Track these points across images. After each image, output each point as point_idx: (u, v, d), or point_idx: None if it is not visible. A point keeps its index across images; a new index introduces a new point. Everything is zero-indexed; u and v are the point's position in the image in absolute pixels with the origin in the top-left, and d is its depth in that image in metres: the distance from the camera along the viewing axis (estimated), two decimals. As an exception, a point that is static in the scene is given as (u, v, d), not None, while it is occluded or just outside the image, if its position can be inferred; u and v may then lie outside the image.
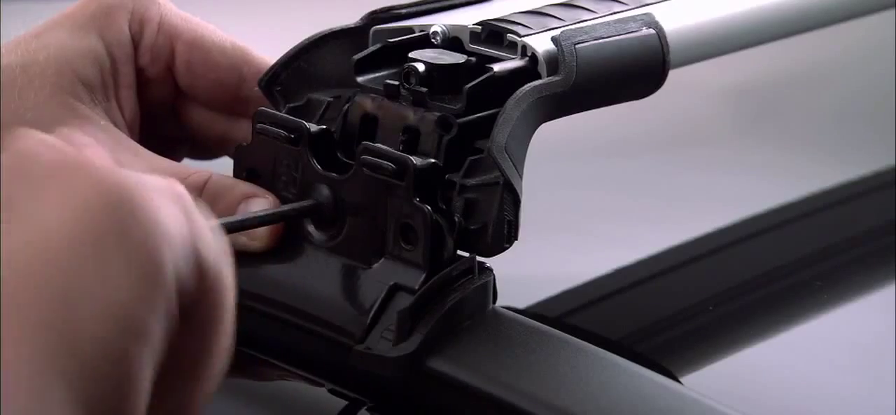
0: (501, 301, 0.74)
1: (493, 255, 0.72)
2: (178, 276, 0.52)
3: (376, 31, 0.80)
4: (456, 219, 0.71)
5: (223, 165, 0.80)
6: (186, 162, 0.85)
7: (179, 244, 0.52)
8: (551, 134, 0.76)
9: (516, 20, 0.77)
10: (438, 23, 0.78)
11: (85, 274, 0.50)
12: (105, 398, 0.50)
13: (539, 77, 0.75)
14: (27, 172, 0.52)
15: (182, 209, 0.54)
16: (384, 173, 0.71)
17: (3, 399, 0.48)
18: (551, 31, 0.76)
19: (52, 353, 0.50)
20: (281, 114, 0.76)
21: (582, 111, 0.77)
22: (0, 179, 0.52)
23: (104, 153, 0.54)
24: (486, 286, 0.73)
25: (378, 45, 0.78)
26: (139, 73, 0.80)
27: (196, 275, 0.54)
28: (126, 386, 0.51)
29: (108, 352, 0.50)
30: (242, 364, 0.76)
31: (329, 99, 0.78)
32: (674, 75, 0.80)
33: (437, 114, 0.73)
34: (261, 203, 0.74)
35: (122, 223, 0.51)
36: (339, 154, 0.75)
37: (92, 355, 0.50)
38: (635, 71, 0.78)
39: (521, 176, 0.71)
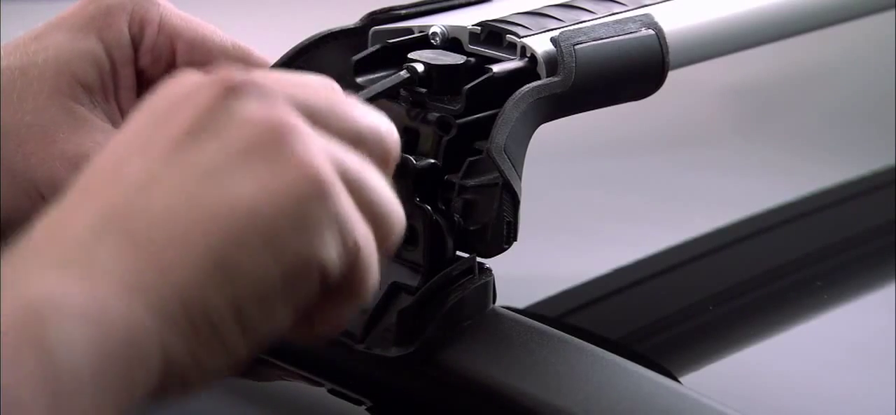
0: (501, 301, 0.74)
1: (493, 255, 0.72)
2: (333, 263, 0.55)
3: (376, 32, 0.80)
4: (455, 219, 0.71)
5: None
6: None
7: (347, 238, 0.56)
8: (551, 134, 0.76)
9: (515, 21, 0.77)
10: (438, 23, 0.79)
11: (245, 258, 0.53)
12: (192, 356, 0.53)
13: (538, 78, 0.75)
14: (229, 107, 0.55)
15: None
16: (384, 173, 0.71)
17: None
18: (550, 32, 0.76)
19: (169, 311, 0.52)
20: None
21: (581, 112, 0.77)
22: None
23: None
24: (486, 286, 0.73)
25: (377, 46, 0.78)
26: (140, 74, 0.80)
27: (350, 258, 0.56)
28: (215, 355, 0.54)
29: (217, 331, 0.53)
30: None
31: (329, 99, 0.78)
32: (673, 75, 0.80)
33: (437, 114, 0.73)
34: None
35: (304, 221, 0.54)
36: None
37: (204, 329, 0.53)
38: (634, 72, 0.78)
39: (520, 177, 0.71)
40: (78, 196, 0.54)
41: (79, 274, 0.51)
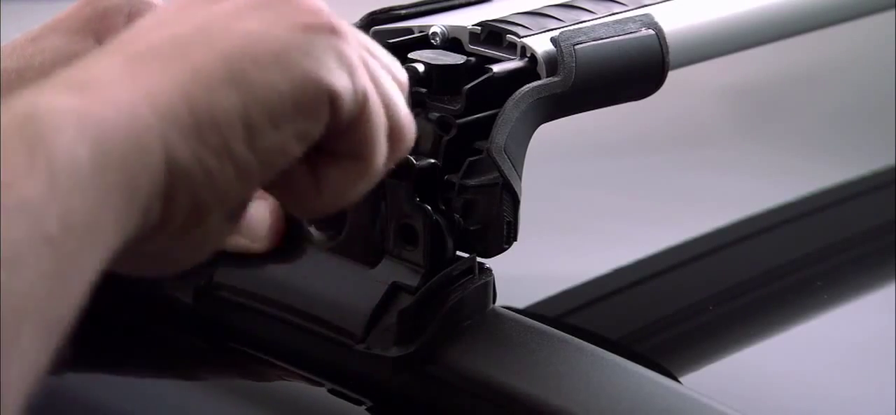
0: (501, 301, 0.74)
1: (493, 255, 0.72)
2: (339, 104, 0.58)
3: (376, 32, 0.80)
4: (455, 219, 0.71)
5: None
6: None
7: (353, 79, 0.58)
8: (551, 134, 0.76)
9: (516, 21, 0.77)
10: (438, 23, 0.79)
11: (254, 68, 0.56)
12: (199, 163, 0.55)
13: (538, 78, 0.75)
14: None
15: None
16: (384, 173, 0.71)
17: None
18: (550, 32, 0.76)
19: (175, 114, 0.54)
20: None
21: (581, 112, 0.77)
22: None
23: None
24: (486, 286, 0.73)
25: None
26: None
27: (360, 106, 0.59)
28: (222, 166, 0.55)
29: (224, 140, 0.55)
30: (242, 364, 0.76)
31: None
32: (673, 75, 0.80)
33: (437, 114, 0.73)
34: (261, 206, 0.75)
35: (314, 49, 0.57)
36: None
37: (210, 134, 0.55)
38: (634, 72, 0.78)
39: (520, 177, 0.71)
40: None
41: (79, 86, 0.52)
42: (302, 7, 0.58)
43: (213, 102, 0.54)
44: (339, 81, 0.57)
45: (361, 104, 0.59)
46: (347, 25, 0.60)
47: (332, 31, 0.58)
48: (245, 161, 0.55)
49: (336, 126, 0.58)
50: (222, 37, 0.56)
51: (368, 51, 0.61)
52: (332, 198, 0.60)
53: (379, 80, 0.60)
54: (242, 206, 0.58)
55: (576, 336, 0.73)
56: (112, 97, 0.52)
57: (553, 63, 0.75)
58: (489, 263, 0.74)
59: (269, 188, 0.59)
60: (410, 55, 0.75)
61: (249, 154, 0.55)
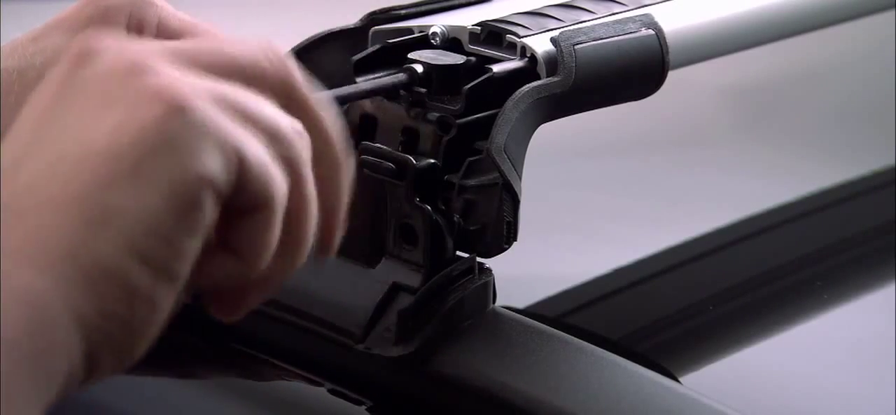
0: (501, 301, 0.74)
1: (492, 255, 0.72)
2: (220, 192, 0.53)
3: (376, 32, 0.80)
4: (455, 220, 0.71)
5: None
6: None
7: (228, 161, 0.53)
8: (551, 134, 0.76)
9: (515, 21, 0.77)
10: (438, 23, 0.79)
11: (116, 196, 0.51)
12: (107, 316, 0.51)
13: (538, 78, 0.75)
14: (85, 69, 0.54)
15: (242, 115, 0.54)
16: (384, 173, 0.71)
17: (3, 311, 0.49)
18: (550, 32, 0.76)
19: (63, 272, 0.51)
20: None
21: (581, 112, 0.77)
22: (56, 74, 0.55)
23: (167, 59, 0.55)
24: (486, 286, 0.73)
25: (377, 46, 0.78)
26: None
27: (251, 184, 0.54)
28: (133, 307, 0.52)
29: (122, 280, 0.51)
30: (242, 364, 0.76)
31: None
32: (673, 75, 0.80)
33: (436, 114, 0.73)
34: None
35: (168, 142, 0.52)
36: (338, 155, 0.75)
37: (104, 282, 0.51)
38: (634, 72, 0.78)
39: (520, 177, 0.71)
40: None
41: None
42: (146, 92, 0.52)
43: (95, 250, 0.51)
44: (209, 165, 0.52)
45: (241, 164, 0.53)
46: (204, 87, 0.54)
47: (180, 107, 0.52)
48: (151, 291, 0.52)
49: (231, 203, 0.54)
50: (75, 169, 0.52)
51: (239, 74, 0.56)
52: (253, 260, 0.55)
53: (252, 114, 0.55)
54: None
55: (576, 336, 0.73)
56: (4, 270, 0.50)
57: (553, 63, 0.75)
58: (489, 263, 0.74)
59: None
60: (410, 55, 0.75)
61: (153, 281, 0.52)
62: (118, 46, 0.54)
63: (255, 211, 0.54)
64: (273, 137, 0.55)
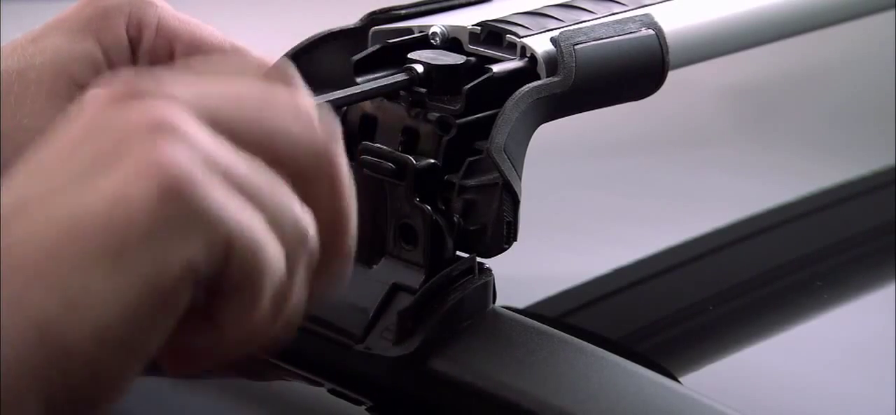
0: (501, 301, 0.74)
1: (492, 255, 0.72)
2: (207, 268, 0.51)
3: (376, 32, 0.80)
4: (455, 220, 0.71)
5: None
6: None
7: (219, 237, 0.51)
8: (551, 134, 0.76)
9: (515, 21, 0.77)
10: (438, 23, 0.79)
11: (96, 279, 0.49)
12: (71, 389, 0.50)
13: (538, 78, 0.75)
14: (112, 112, 0.52)
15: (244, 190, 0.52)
16: (384, 173, 0.71)
17: None
18: (550, 32, 0.76)
19: (31, 341, 0.49)
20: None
21: (581, 112, 0.77)
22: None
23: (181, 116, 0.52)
24: (486, 286, 0.73)
25: (377, 46, 0.78)
26: (137, 76, 0.80)
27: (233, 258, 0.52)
28: (98, 384, 0.50)
29: (88, 362, 0.50)
30: (242, 364, 0.76)
31: (328, 100, 0.78)
32: (673, 75, 0.81)
33: (436, 115, 0.73)
34: None
35: (158, 229, 0.50)
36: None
37: (70, 361, 0.50)
38: (634, 72, 0.78)
39: (520, 177, 0.71)
40: None
41: None
42: (144, 159, 0.50)
43: (64, 334, 0.49)
44: (190, 255, 0.50)
45: (229, 251, 0.51)
46: (214, 161, 0.51)
47: (173, 186, 0.50)
48: (120, 367, 0.50)
49: (212, 288, 0.52)
50: (66, 238, 0.49)
51: (266, 146, 0.53)
52: (235, 331, 0.53)
53: (257, 195, 0.52)
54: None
55: (576, 336, 0.73)
56: None
57: (553, 63, 0.75)
58: (489, 263, 0.74)
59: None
60: (410, 55, 0.75)
61: (122, 359, 0.50)
62: (148, 99, 0.52)
63: (242, 291, 0.52)
64: (277, 224, 0.53)
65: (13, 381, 0.49)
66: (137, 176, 0.50)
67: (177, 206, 0.50)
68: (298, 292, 0.54)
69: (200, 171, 0.51)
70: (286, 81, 0.55)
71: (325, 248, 0.55)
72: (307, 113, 0.55)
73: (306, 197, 0.54)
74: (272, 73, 0.56)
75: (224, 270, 0.51)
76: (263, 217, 0.52)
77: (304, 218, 0.54)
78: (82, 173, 0.50)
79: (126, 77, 0.53)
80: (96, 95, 0.52)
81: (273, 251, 0.52)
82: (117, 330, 0.50)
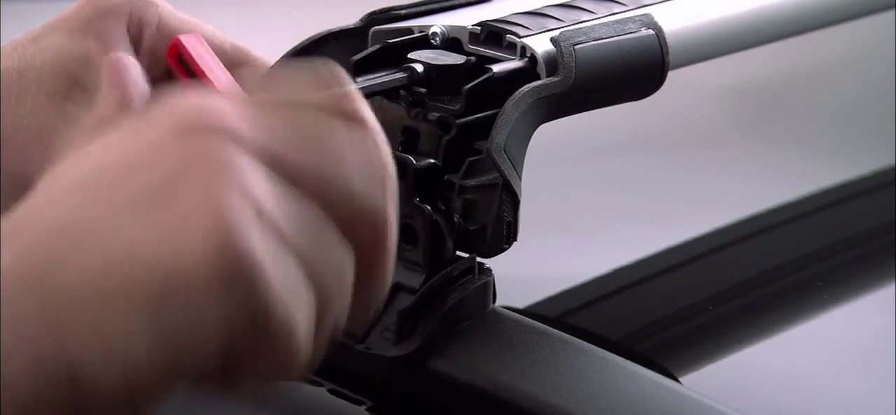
0: (501, 301, 0.74)
1: (493, 255, 0.72)
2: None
3: (376, 32, 0.80)
4: (455, 219, 0.71)
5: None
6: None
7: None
8: (551, 134, 0.76)
9: (515, 21, 0.77)
10: (438, 23, 0.79)
11: (135, 321, 0.48)
12: None
13: (538, 78, 0.75)
14: (182, 141, 0.50)
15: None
16: (384, 173, 0.71)
17: None
18: (550, 32, 0.76)
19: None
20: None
21: (581, 112, 0.77)
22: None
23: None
24: (486, 286, 0.73)
25: (377, 46, 0.78)
26: (137, 76, 0.80)
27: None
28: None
29: (111, 408, 0.49)
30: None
31: (328, 100, 0.77)
32: (673, 75, 0.81)
33: (436, 115, 0.73)
34: None
35: (203, 289, 0.48)
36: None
37: (94, 404, 0.49)
38: (634, 72, 0.78)
39: (520, 177, 0.71)
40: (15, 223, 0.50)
41: None
42: (211, 210, 0.49)
43: (90, 374, 0.48)
44: (236, 320, 0.49)
45: (268, 314, 0.50)
46: (269, 220, 0.50)
47: (236, 252, 0.48)
48: (137, 411, 0.49)
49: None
50: (106, 275, 0.48)
51: (330, 196, 0.52)
52: (255, 376, 0.52)
53: (316, 274, 0.51)
54: None
55: (576, 336, 0.73)
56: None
57: (553, 63, 0.75)
58: (489, 263, 0.74)
59: None
60: (410, 55, 0.75)
61: (144, 404, 0.49)
62: (215, 135, 0.50)
63: (266, 352, 0.51)
64: (317, 274, 0.51)
65: (29, 404, 0.48)
66: (192, 222, 0.49)
67: (225, 265, 0.49)
68: (325, 337, 0.53)
69: (254, 229, 0.49)
70: (353, 114, 0.54)
71: (359, 284, 0.54)
72: (371, 164, 0.54)
73: (351, 235, 0.53)
74: (338, 102, 0.54)
75: (254, 331, 0.50)
76: (305, 269, 0.51)
77: (346, 266, 0.53)
78: (138, 203, 0.49)
79: (197, 98, 0.52)
80: (166, 115, 0.51)
81: (306, 315, 0.51)
82: (145, 379, 0.49)
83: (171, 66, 0.65)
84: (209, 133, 0.50)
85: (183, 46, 0.64)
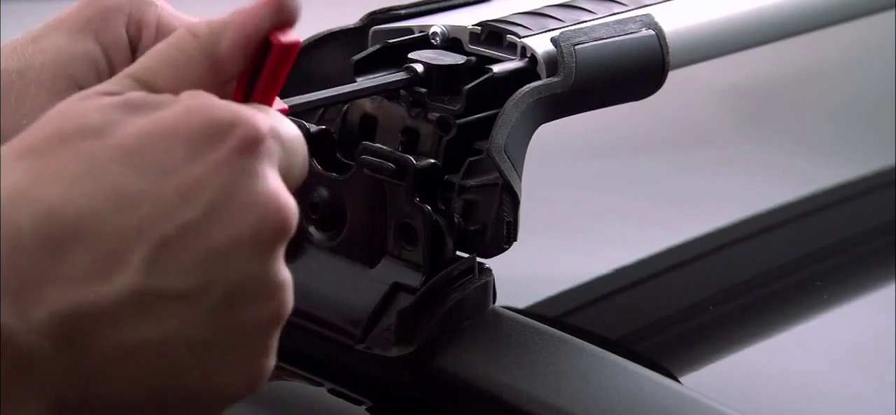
0: (501, 301, 0.74)
1: (493, 255, 0.72)
2: None
3: (376, 32, 0.80)
4: (455, 219, 0.71)
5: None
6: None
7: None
8: (551, 134, 0.76)
9: (516, 21, 0.77)
10: (438, 23, 0.79)
11: None
12: None
13: (538, 78, 0.75)
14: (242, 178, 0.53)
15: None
16: (384, 173, 0.71)
17: None
18: (551, 33, 0.76)
19: None
20: (281, 114, 0.76)
21: (581, 112, 0.77)
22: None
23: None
24: (486, 286, 0.73)
25: (377, 46, 0.78)
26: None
27: None
28: None
29: None
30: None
31: (328, 100, 0.78)
32: (674, 75, 0.81)
33: (437, 115, 0.73)
34: None
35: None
36: (338, 154, 0.75)
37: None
38: (634, 72, 0.78)
39: (520, 177, 0.71)
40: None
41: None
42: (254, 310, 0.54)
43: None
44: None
45: None
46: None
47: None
48: None
49: None
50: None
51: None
52: None
53: None
54: None
55: (576, 336, 0.73)
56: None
57: (553, 63, 0.75)
58: (489, 263, 0.73)
59: None
60: (410, 55, 0.75)
61: None
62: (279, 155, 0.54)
63: None
64: None
65: None
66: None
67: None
68: None
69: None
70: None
71: None
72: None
73: None
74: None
75: None
76: None
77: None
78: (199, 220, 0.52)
79: (257, 122, 0.54)
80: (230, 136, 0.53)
81: None
82: None
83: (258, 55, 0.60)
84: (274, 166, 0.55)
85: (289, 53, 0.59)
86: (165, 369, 0.52)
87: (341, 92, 0.71)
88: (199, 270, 0.52)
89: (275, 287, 0.55)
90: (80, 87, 0.77)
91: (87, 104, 0.56)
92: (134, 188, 0.52)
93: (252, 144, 0.53)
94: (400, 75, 0.74)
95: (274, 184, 0.54)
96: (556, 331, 0.73)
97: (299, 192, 0.74)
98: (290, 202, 0.54)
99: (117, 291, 0.51)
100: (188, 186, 0.52)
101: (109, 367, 0.51)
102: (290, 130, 0.56)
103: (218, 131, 0.53)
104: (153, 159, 0.53)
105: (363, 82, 0.74)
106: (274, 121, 0.55)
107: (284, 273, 0.55)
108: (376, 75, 0.75)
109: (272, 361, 0.55)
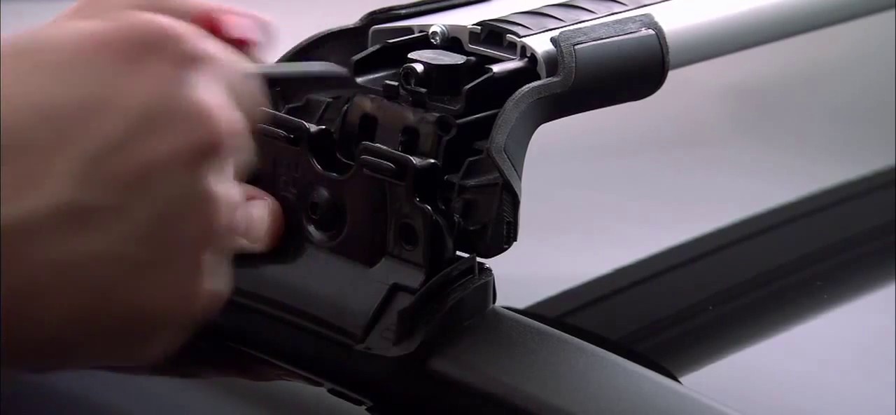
0: (501, 301, 0.74)
1: (492, 256, 0.72)
2: None
3: (376, 32, 0.80)
4: (455, 219, 0.71)
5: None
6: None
7: None
8: (551, 134, 0.76)
9: (516, 21, 0.77)
10: (438, 23, 0.79)
11: None
12: None
13: (538, 78, 0.75)
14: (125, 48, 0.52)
15: None
16: (384, 173, 0.71)
17: None
18: (550, 32, 0.76)
19: None
20: (280, 114, 0.76)
21: (581, 112, 0.77)
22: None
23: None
24: (486, 286, 0.73)
25: (377, 46, 0.78)
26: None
27: None
28: None
29: None
30: (242, 364, 0.76)
31: (328, 99, 0.78)
32: (674, 75, 0.81)
33: (436, 114, 0.73)
34: (260, 206, 0.74)
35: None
36: (338, 154, 0.75)
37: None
38: (634, 72, 0.78)
39: (520, 177, 0.71)
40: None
41: None
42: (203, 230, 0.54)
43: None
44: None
45: None
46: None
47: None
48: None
49: None
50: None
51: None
52: None
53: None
54: None
55: (576, 336, 0.73)
56: None
57: (553, 63, 0.75)
58: (489, 263, 0.74)
59: None
60: (410, 55, 0.75)
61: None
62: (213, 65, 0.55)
63: None
64: None
65: None
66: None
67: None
68: None
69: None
70: None
71: None
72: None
73: None
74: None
75: None
76: None
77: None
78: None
79: (196, 39, 0.54)
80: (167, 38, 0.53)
81: None
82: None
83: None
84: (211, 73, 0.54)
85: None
86: (94, 288, 0.51)
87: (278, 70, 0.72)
88: (129, 184, 0.51)
89: (206, 202, 0.53)
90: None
91: (53, 23, 0.56)
92: (61, 101, 0.51)
93: (187, 58, 0.52)
94: (399, 75, 0.74)
95: (207, 97, 0.52)
96: (556, 331, 0.73)
97: (299, 192, 0.74)
98: (226, 116, 0.53)
99: (44, 205, 0.50)
100: (118, 98, 0.51)
101: (37, 285, 0.50)
102: (236, 60, 0.55)
103: (154, 43, 0.52)
104: (83, 71, 0.52)
105: (362, 82, 0.74)
106: (219, 48, 0.54)
107: (218, 188, 0.54)
108: (376, 75, 0.75)
109: (208, 283, 0.54)
